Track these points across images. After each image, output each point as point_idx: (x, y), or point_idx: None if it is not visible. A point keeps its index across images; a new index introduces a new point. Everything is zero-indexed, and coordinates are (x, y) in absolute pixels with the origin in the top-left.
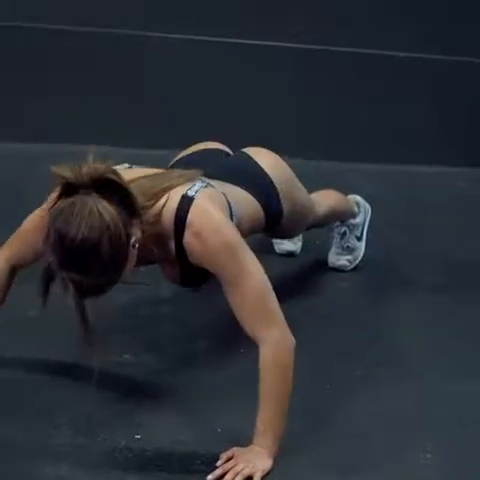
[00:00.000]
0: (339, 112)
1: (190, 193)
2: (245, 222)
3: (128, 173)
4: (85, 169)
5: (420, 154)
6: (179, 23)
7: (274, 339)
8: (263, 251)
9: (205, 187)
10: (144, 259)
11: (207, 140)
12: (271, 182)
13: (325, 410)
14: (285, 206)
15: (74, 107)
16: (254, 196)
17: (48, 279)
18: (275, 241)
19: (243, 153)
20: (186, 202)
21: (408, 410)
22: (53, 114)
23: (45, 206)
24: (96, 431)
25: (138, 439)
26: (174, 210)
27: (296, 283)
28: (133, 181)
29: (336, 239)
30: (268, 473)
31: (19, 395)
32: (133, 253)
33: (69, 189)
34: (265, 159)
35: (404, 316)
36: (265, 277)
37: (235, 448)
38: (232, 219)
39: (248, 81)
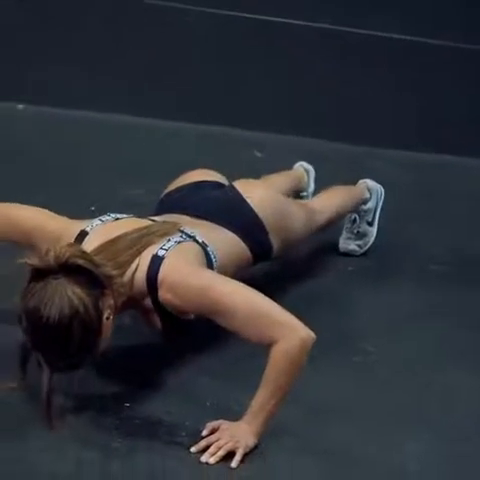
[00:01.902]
0: (365, 95)
1: (160, 253)
2: (229, 263)
3: (107, 231)
4: (51, 254)
5: (448, 143)
6: None
7: (285, 335)
8: None
9: (179, 242)
10: (123, 311)
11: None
12: (260, 222)
13: (315, 394)
14: (275, 242)
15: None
16: (240, 237)
17: (25, 355)
18: None
19: (234, 190)
20: (156, 263)
21: (401, 400)
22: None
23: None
24: (87, 396)
25: (127, 407)
26: (145, 272)
27: (303, 265)
28: (112, 243)
29: (347, 225)
30: (251, 451)
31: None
32: (107, 324)
33: (38, 274)
34: (256, 197)
35: (408, 304)
36: (249, 293)
37: (222, 421)
38: (213, 266)
39: (269, 57)
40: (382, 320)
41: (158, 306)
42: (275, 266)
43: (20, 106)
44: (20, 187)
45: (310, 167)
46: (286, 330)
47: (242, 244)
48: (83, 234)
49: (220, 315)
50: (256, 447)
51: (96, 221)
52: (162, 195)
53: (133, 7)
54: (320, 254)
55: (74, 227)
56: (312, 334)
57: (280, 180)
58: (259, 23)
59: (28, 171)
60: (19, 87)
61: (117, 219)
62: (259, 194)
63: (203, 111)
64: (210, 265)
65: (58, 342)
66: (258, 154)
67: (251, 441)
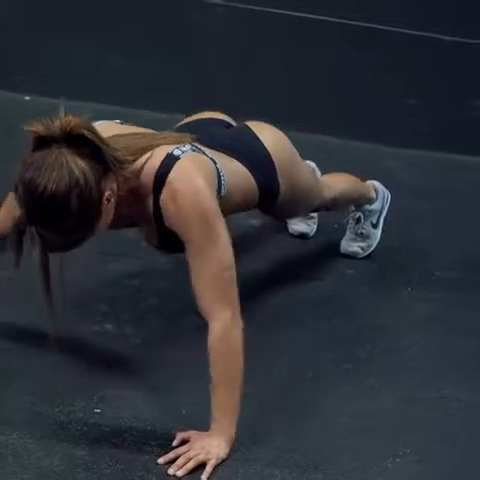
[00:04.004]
0: (382, 94)
1: (176, 152)
2: (236, 193)
3: (116, 128)
4: (57, 123)
5: (467, 144)
6: None
7: (226, 318)
8: (274, 230)
9: (194, 151)
10: (124, 218)
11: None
12: (270, 159)
13: (298, 401)
14: (283, 185)
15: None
16: (249, 170)
17: (20, 233)
18: (289, 221)
19: (245, 126)
20: (170, 160)
21: (385, 412)
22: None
23: None
24: (56, 400)
25: (97, 413)
26: (156, 167)
27: (300, 266)
28: (120, 136)
29: (351, 224)
30: (223, 461)
31: None
32: (108, 208)
33: (41, 143)
34: (267, 135)
35: (407, 312)
36: (231, 254)
37: (193, 431)
38: (221, 188)
39: (289, 53)
40: (378, 327)
41: (157, 211)
42: (271, 264)
43: (27, 97)
44: None
45: (315, 167)
46: (228, 314)
47: (251, 178)
48: None
49: (196, 249)
50: (229, 457)
51: (101, 121)
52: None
53: None
54: (320, 255)
55: None
56: (242, 322)
57: None
58: (263, 16)
59: None
60: (26, 78)
61: (122, 124)
62: (274, 135)
63: (206, 104)
64: (219, 184)
65: (54, 213)
66: None
67: (223, 451)
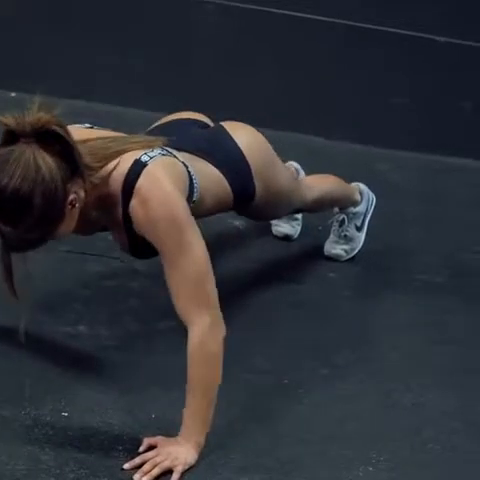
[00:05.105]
0: (373, 94)
1: (144, 158)
2: (208, 198)
3: (84, 133)
4: (29, 118)
5: (456, 146)
6: None
7: (205, 324)
8: (258, 231)
9: (163, 155)
10: (93, 224)
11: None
12: (245, 161)
13: (272, 406)
14: (258, 188)
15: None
16: (223, 174)
17: None
18: (273, 222)
19: (221, 127)
20: (138, 167)
21: (360, 419)
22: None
23: None
24: (23, 403)
25: (65, 416)
26: (124, 174)
27: (282, 268)
28: (87, 141)
29: (335, 227)
30: (191, 468)
31: None
32: (72, 213)
33: (11, 137)
34: (243, 136)
35: (388, 317)
36: (206, 258)
37: (160, 437)
38: (194, 192)
39: (291, 53)
40: (357, 332)
41: (126, 218)
42: (254, 266)
43: (13, 94)
44: None
45: (299, 168)
46: (207, 319)
47: (225, 182)
48: None
49: (169, 255)
50: (197, 464)
51: (70, 126)
52: (145, 132)
53: None
54: (303, 257)
55: None
56: (224, 328)
57: None
58: (260, 16)
59: None
60: (12, 74)
61: (92, 128)
62: (250, 135)
63: (200, 104)
64: (192, 188)
65: (15, 208)
66: None
67: (191, 457)
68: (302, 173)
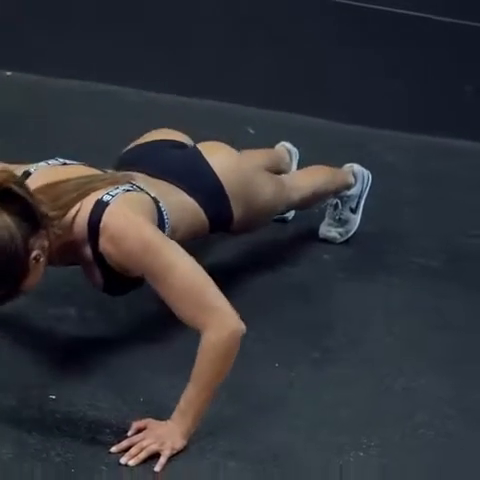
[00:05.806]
0: (368, 74)
1: (105, 198)
2: (182, 227)
3: (52, 173)
4: None
5: (453, 128)
6: None
7: (214, 326)
8: None
9: (128, 190)
10: (64, 262)
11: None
12: (220, 186)
13: (262, 390)
14: (236, 211)
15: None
16: (197, 201)
17: None
18: None
19: (196, 151)
20: (100, 207)
21: (351, 404)
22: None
23: None
24: (10, 386)
25: (52, 400)
26: (87, 217)
27: (277, 250)
28: (53, 185)
29: (329, 210)
30: (178, 453)
31: None
32: (37, 267)
33: None
34: (218, 159)
35: (383, 300)
36: (196, 268)
37: (149, 420)
38: (165, 227)
39: (284, 33)
40: (351, 315)
41: (98, 257)
42: (248, 248)
43: (8, 73)
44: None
45: (294, 148)
46: (217, 318)
47: (199, 209)
48: (26, 175)
49: (157, 279)
50: (185, 448)
51: (42, 163)
52: (122, 152)
53: None
54: (297, 239)
55: (18, 170)
56: (243, 326)
57: (257, 156)
58: None
59: (15, 138)
60: (8, 54)
61: (65, 164)
62: (223, 157)
63: (197, 85)
64: (162, 223)
65: None
66: (251, 131)
67: (179, 443)
68: (294, 166)
